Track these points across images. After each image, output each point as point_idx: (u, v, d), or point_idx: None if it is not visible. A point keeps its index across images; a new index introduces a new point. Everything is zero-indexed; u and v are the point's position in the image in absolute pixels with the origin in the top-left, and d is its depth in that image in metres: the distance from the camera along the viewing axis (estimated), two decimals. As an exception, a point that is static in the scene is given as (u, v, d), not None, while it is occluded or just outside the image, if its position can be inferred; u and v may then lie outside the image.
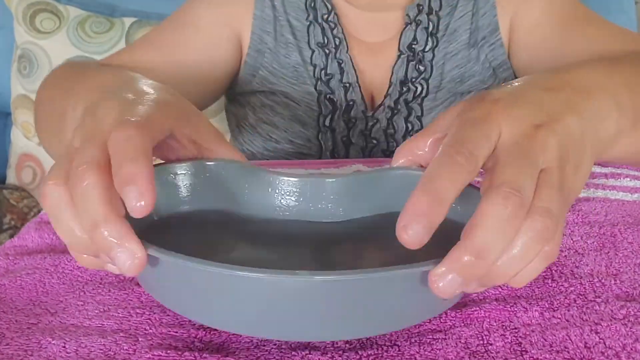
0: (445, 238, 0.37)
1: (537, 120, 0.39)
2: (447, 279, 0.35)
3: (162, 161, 0.49)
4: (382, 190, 0.50)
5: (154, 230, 0.45)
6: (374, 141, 0.90)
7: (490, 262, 0.35)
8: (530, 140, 0.38)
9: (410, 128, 0.89)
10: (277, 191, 0.51)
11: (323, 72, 0.90)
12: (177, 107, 0.47)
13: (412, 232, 0.34)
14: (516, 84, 0.44)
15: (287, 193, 0.51)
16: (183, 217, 0.49)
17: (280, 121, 0.90)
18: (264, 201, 0.51)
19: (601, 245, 0.56)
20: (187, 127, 0.47)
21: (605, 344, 0.42)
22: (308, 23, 0.91)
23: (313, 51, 0.90)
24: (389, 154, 0.89)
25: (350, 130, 0.89)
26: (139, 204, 0.36)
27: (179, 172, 0.49)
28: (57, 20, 1.39)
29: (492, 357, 0.42)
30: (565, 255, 0.54)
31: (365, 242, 0.49)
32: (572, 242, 0.56)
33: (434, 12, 0.90)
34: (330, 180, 0.51)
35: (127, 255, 0.36)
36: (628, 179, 0.72)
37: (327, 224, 0.51)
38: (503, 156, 0.37)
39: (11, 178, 1.45)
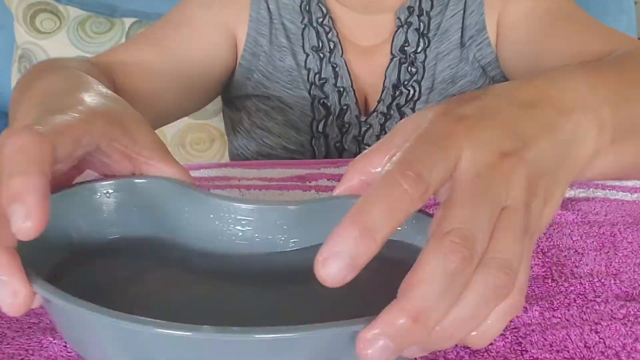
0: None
1: (505, 146, 0.33)
2: (377, 345, 0.28)
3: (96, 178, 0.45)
4: (335, 220, 0.47)
5: (76, 261, 0.41)
6: (367, 147, 0.89)
7: (430, 327, 0.28)
8: (494, 171, 0.31)
9: None
10: (221, 217, 0.45)
11: (317, 76, 0.89)
12: (112, 117, 0.42)
13: (330, 270, 0.28)
14: (489, 97, 0.37)
15: (232, 220, 0.45)
16: (110, 245, 0.44)
17: (274, 126, 0.90)
18: (205, 228, 0.45)
19: (601, 245, 0.56)
20: (122, 140, 0.42)
21: (605, 344, 0.42)
22: (303, 26, 0.90)
23: (307, 55, 0.90)
24: None
25: (343, 135, 0.89)
26: (25, 225, 0.30)
27: (103, 192, 0.44)
28: (58, 20, 1.39)
29: (492, 356, 0.42)
30: (565, 255, 0.54)
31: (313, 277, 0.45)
32: (571, 241, 0.56)
33: (424, 13, 0.90)
34: (279, 208, 0.45)
35: (7, 292, 0.31)
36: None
37: (274, 255, 0.45)
38: (458, 191, 0.31)
39: (11, 178, 1.45)
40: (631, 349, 0.41)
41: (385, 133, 0.88)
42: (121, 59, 0.81)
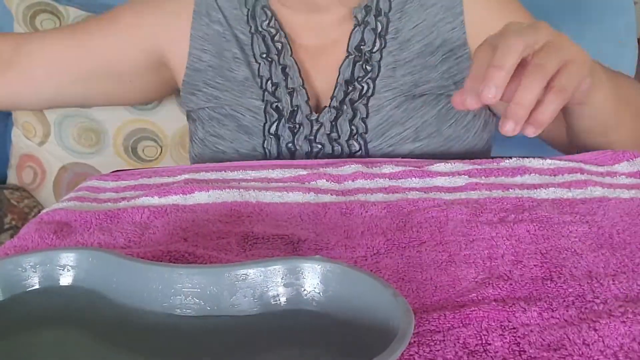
0: None
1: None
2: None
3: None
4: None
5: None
6: (319, 146, 0.89)
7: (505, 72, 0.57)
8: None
9: (354, 131, 0.88)
10: (154, 286, 0.47)
11: (269, 82, 0.90)
12: None
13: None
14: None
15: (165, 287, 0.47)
16: (40, 315, 0.46)
17: (226, 132, 0.91)
18: (138, 295, 0.47)
19: (599, 245, 0.56)
20: None
21: (603, 343, 0.42)
22: (251, 35, 0.92)
23: (259, 64, 0.91)
24: (335, 157, 0.89)
25: (295, 136, 0.89)
26: None
27: (28, 265, 0.47)
28: (58, 20, 1.39)
29: (491, 357, 0.42)
30: (564, 257, 0.54)
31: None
32: (570, 242, 0.56)
33: (382, 14, 0.91)
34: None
35: None
36: (624, 176, 0.72)
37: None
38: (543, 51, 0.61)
39: (12, 178, 1.45)
40: (629, 348, 0.41)
41: (336, 131, 0.88)
42: (34, 35, 0.94)
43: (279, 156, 0.90)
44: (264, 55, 0.91)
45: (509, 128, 0.57)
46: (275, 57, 0.91)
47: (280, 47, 0.91)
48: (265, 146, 0.89)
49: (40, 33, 0.94)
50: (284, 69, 0.90)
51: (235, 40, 0.92)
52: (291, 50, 0.91)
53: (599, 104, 0.76)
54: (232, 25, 0.93)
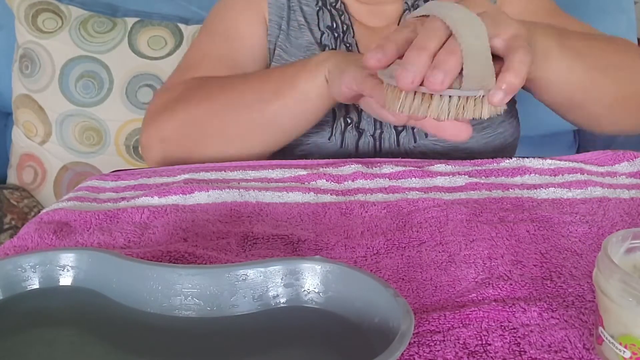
0: None
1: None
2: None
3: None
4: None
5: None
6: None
7: None
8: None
9: None
10: (151, 285, 0.47)
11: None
12: None
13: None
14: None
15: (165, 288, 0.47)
16: (40, 313, 0.46)
17: None
18: (136, 295, 0.47)
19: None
20: None
21: (603, 345, 0.42)
22: (317, 8, 0.96)
23: (323, 33, 0.95)
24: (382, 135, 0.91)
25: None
26: None
27: (28, 265, 0.48)
28: (59, 20, 1.39)
29: (491, 357, 0.42)
30: (564, 257, 0.54)
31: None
32: (570, 242, 0.56)
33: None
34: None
35: None
36: (624, 177, 0.72)
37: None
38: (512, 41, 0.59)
39: (12, 178, 1.45)
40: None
41: None
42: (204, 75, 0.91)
43: (346, 115, 0.90)
44: (329, 27, 0.95)
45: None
46: (341, 34, 0.94)
47: (345, 28, 0.95)
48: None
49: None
50: (347, 47, 0.94)
51: (300, 10, 0.96)
52: (354, 32, 0.95)
53: (560, 76, 0.72)
54: (300, 1, 0.97)
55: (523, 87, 0.78)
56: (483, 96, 0.55)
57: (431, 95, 0.55)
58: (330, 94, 0.76)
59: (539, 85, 0.73)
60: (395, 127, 0.89)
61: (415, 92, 0.56)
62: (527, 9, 0.93)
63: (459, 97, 0.55)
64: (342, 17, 0.96)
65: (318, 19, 0.96)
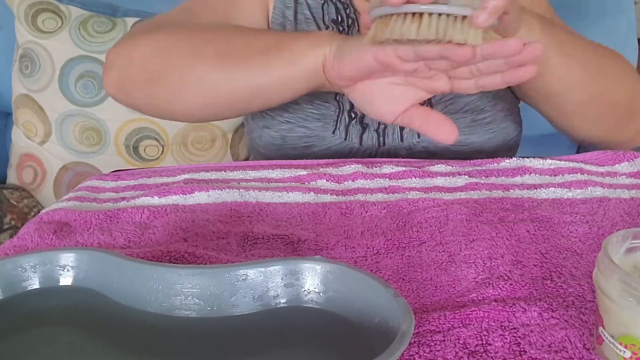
0: None
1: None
2: None
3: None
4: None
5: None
6: None
7: None
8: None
9: None
10: (152, 285, 0.47)
11: None
12: None
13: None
14: None
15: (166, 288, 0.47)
16: (40, 314, 0.46)
17: None
18: (138, 295, 0.47)
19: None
20: None
21: (603, 345, 0.42)
22: (322, 1, 0.96)
23: (328, 27, 0.95)
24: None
25: None
26: None
27: (28, 265, 0.48)
28: (59, 20, 1.39)
29: (491, 357, 0.42)
30: (564, 257, 0.54)
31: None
32: (570, 242, 0.56)
33: None
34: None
35: None
36: (624, 177, 0.72)
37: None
38: None
39: (12, 178, 1.45)
40: (629, 350, 0.41)
41: None
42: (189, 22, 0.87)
43: (351, 109, 0.90)
44: (334, 21, 0.94)
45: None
46: (346, 28, 0.94)
47: (350, 22, 0.94)
48: (337, 99, 0.90)
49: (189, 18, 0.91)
50: None
51: (306, 4, 0.96)
52: (358, 26, 0.94)
53: (552, 67, 0.74)
54: None
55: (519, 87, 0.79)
56: (470, 18, 0.57)
57: (420, 15, 0.57)
58: (322, 74, 0.72)
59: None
60: None
61: (405, 15, 0.58)
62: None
63: (447, 15, 0.57)
64: (347, 11, 0.95)
65: (323, 12, 0.96)
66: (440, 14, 0.57)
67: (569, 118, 0.84)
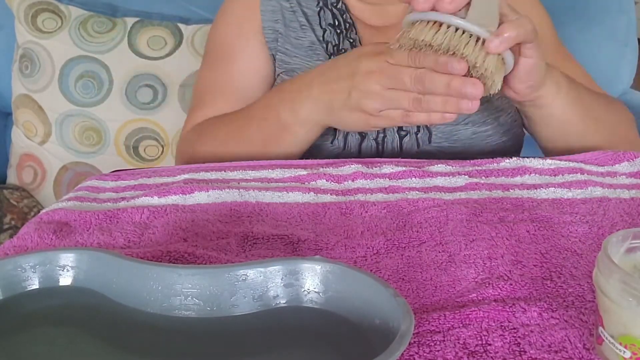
0: None
1: None
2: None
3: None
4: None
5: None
6: None
7: None
8: None
9: None
10: (152, 285, 0.47)
11: (336, 48, 0.94)
12: None
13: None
14: None
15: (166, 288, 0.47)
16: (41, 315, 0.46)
17: None
18: (138, 296, 0.47)
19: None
20: None
21: (603, 345, 0.42)
22: (318, 8, 0.97)
23: (325, 30, 0.95)
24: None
25: None
26: None
27: (28, 265, 0.48)
28: (59, 20, 1.39)
29: (491, 357, 0.42)
30: (564, 257, 0.54)
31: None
32: (570, 243, 0.56)
33: None
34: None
35: None
36: (624, 176, 0.72)
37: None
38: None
39: (12, 178, 1.45)
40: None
41: None
42: (213, 114, 0.95)
43: None
44: (331, 25, 0.96)
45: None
46: (344, 30, 0.95)
47: (347, 26, 0.95)
48: None
49: (208, 111, 0.97)
50: (351, 42, 0.94)
51: (301, 11, 0.97)
52: (356, 29, 0.95)
53: (563, 110, 0.79)
54: (300, 3, 0.98)
55: (525, 114, 0.81)
56: (484, 40, 0.63)
57: (440, 25, 0.63)
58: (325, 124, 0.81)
59: (544, 113, 0.79)
60: (399, 132, 0.89)
61: (428, 23, 0.63)
62: None
63: (463, 31, 0.62)
64: (344, 16, 0.96)
65: (319, 18, 0.96)
66: (457, 28, 0.62)
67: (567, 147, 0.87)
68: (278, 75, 0.98)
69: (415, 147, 0.89)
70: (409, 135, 0.89)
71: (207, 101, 0.98)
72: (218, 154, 0.88)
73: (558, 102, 0.78)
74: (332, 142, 0.89)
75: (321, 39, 0.95)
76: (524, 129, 0.96)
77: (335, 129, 0.88)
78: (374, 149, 0.90)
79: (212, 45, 1.02)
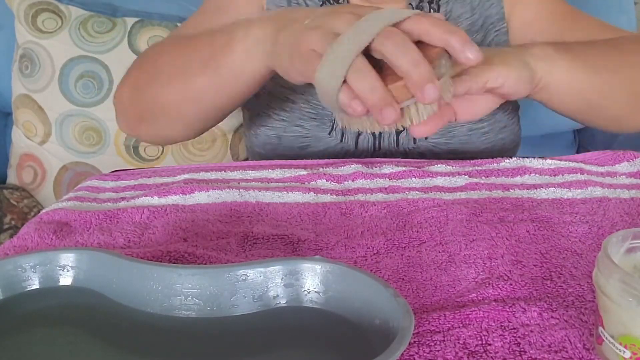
0: None
1: None
2: None
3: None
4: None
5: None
6: None
7: None
8: None
9: None
10: (151, 285, 0.47)
11: None
12: None
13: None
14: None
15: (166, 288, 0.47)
16: (42, 313, 0.47)
17: (298, 87, 0.91)
18: (137, 295, 0.47)
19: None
20: None
21: (603, 345, 0.42)
22: (321, 2, 0.96)
23: None
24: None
25: None
26: None
27: (28, 265, 0.48)
28: (59, 20, 1.39)
29: (491, 357, 0.42)
30: (564, 257, 0.54)
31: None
32: (570, 243, 0.56)
33: (434, 1, 0.94)
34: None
35: None
36: (624, 176, 0.72)
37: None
38: None
39: (12, 178, 1.45)
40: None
41: None
42: None
43: None
44: None
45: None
46: None
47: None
48: None
49: None
50: None
51: (305, 4, 0.96)
52: None
53: (571, 82, 0.71)
54: None
55: (538, 100, 0.77)
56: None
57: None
58: (269, 66, 0.69)
59: (551, 92, 0.72)
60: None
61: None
62: (539, 14, 0.93)
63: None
64: None
65: None
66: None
67: (618, 122, 0.81)
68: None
69: (412, 143, 0.89)
70: (405, 130, 0.89)
71: (186, 32, 0.90)
72: (156, 68, 0.80)
73: (559, 80, 0.70)
74: (329, 133, 0.89)
75: None
76: (520, 126, 0.96)
77: (333, 121, 0.88)
78: (370, 142, 0.90)
79: (207, 2, 0.97)
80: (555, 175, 0.72)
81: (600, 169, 0.74)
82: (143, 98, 0.82)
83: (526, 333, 0.44)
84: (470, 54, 0.52)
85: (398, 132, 0.89)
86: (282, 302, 0.46)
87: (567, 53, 0.72)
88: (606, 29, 0.89)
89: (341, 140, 0.89)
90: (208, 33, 0.77)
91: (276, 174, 0.75)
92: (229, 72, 0.72)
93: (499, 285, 0.49)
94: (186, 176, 0.75)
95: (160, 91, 0.79)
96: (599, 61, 0.75)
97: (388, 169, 0.75)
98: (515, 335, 0.44)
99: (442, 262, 0.54)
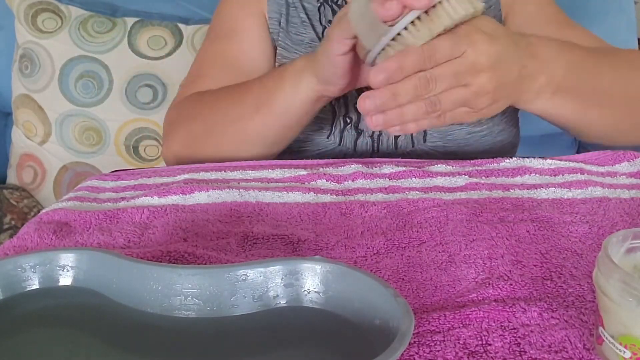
0: None
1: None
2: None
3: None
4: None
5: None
6: None
7: None
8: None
9: None
10: (152, 285, 0.48)
11: None
12: None
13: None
14: (501, 29, 0.61)
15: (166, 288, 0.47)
16: (41, 313, 0.47)
17: None
18: (138, 296, 0.47)
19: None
20: None
21: (603, 345, 0.42)
22: (319, 4, 0.96)
23: (325, 27, 0.95)
24: None
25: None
26: None
27: (28, 265, 0.48)
28: (59, 20, 1.39)
29: (491, 357, 0.42)
30: (564, 257, 0.54)
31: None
32: (570, 243, 0.56)
33: None
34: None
35: None
36: (624, 177, 0.72)
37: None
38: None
39: (12, 178, 1.45)
40: (629, 350, 0.41)
41: None
42: (211, 86, 0.91)
43: (346, 114, 0.90)
44: (330, 22, 0.94)
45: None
46: None
47: None
48: (333, 104, 0.90)
49: (205, 82, 0.95)
50: None
51: (302, 7, 0.97)
52: None
53: (556, 108, 0.71)
54: None
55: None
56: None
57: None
58: (320, 91, 0.75)
59: (547, 106, 0.71)
60: None
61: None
62: (534, 19, 0.93)
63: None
64: None
65: (320, 14, 0.96)
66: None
67: (607, 138, 0.80)
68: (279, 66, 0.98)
69: (410, 146, 0.89)
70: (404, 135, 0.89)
71: (206, 72, 0.96)
72: (209, 122, 0.85)
73: (551, 80, 0.69)
74: (328, 137, 0.89)
75: (321, 36, 0.95)
76: (519, 128, 0.96)
77: (332, 124, 0.88)
78: (369, 145, 0.90)
79: (217, 23, 1.01)
80: (555, 175, 0.72)
81: (601, 169, 0.74)
82: (200, 152, 0.87)
83: (526, 333, 0.44)
84: None
85: (396, 136, 0.89)
86: (282, 302, 0.46)
87: (564, 61, 0.69)
88: (596, 43, 0.88)
89: (339, 144, 0.89)
90: (257, 80, 0.84)
91: (276, 174, 0.75)
92: (279, 108, 0.78)
93: (499, 285, 0.49)
94: (186, 176, 0.75)
95: (220, 141, 0.85)
96: (594, 79, 0.73)
97: (388, 169, 0.75)
98: (515, 335, 0.44)
99: (442, 262, 0.54)
